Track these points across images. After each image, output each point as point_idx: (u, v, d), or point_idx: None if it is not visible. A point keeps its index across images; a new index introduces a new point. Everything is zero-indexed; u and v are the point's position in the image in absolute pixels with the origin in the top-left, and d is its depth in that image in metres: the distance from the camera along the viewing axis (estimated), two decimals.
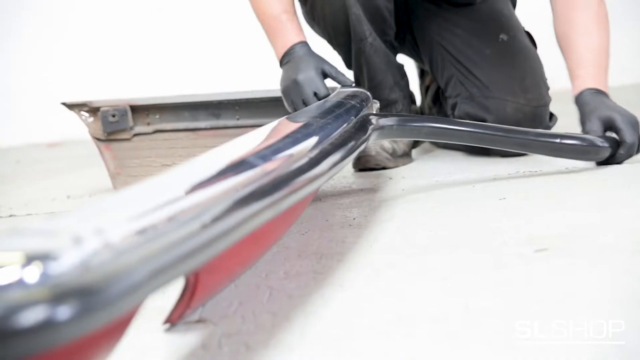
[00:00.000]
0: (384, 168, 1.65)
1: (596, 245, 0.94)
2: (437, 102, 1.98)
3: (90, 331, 0.47)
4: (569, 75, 1.49)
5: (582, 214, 1.10)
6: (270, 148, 0.83)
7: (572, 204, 1.16)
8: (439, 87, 1.91)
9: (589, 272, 0.85)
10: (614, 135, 1.39)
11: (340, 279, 0.88)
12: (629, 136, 1.36)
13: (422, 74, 2.09)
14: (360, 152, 1.43)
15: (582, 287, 0.80)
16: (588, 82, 1.44)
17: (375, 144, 1.60)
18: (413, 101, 1.92)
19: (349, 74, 1.61)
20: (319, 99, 1.38)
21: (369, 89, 1.70)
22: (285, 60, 1.48)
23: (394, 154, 1.67)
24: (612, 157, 1.38)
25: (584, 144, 1.37)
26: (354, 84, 1.50)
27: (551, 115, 1.75)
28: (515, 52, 1.71)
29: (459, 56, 1.73)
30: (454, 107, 1.75)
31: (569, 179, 1.35)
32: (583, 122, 1.41)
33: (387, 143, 1.64)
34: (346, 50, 1.71)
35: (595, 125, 1.39)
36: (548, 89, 1.72)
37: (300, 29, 1.51)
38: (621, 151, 1.37)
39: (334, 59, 1.64)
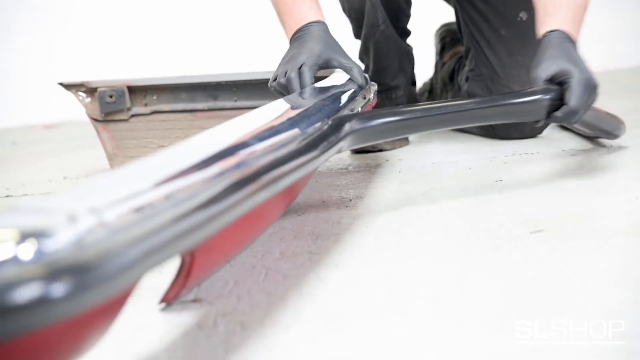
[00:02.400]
0: (381, 150, 1.62)
1: (592, 227, 0.94)
2: (452, 81, 1.89)
3: (85, 309, 0.47)
4: (537, 14, 1.27)
5: (578, 196, 1.10)
6: (267, 130, 0.83)
7: (569, 185, 1.16)
8: (455, 66, 1.86)
9: (584, 254, 0.85)
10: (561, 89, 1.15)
11: (335, 260, 0.89)
12: (574, 99, 1.11)
13: (442, 50, 2.01)
14: None
15: (577, 268, 0.80)
16: (563, 24, 1.22)
17: None
18: (413, 82, 1.88)
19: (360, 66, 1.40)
20: (301, 78, 1.19)
21: (373, 72, 1.70)
22: (296, 35, 1.28)
23: None
24: (547, 116, 1.15)
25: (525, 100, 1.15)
26: (361, 86, 1.25)
27: None
28: (533, 35, 1.52)
29: (474, 31, 1.67)
30: (467, 79, 1.72)
31: (566, 161, 1.35)
32: (535, 66, 1.18)
33: None
34: (357, 26, 1.69)
35: (545, 73, 1.15)
36: None
37: (320, 8, 1.30)
38: (558, 113, 1.13)
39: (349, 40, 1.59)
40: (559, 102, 1.13)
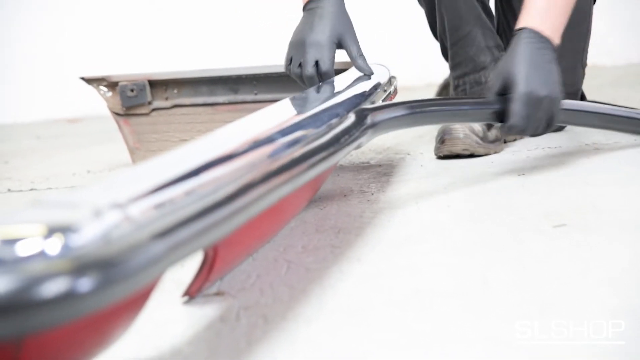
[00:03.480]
0: (472, 155, 1.41)
1: (615, 221, 0.93)
2: None
3: (111, 303, 0.47)
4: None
5: (601, 190, 1.09)
6: (290, 124, 0.83)
7: (592, 179, 1.15)
8: None
9: (608, 248, 0.84)
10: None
11: (358, 253, 0.89)
12: (513, 116, 1.06)
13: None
14: (445, 135, 1.36)
15: (600, 263, 0.80)
16: (535, 20, 1.11)
17: (464, 125, 1.37)
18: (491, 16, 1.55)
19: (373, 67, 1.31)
20: (319, 72, 1.19)
21: (451, 46, 1.48)
22: (308, 6, 1.22)
23: (484, 139, 1.40)
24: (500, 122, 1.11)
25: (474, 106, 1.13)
26: (372, 74, 1.25)
27: (582, 97, 1.55)
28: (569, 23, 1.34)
29: (504, 6, 1.51)
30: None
31: (589, 155, 1.34)
32: (494, 72, 1.13)
33: (477, 125, 1.38)
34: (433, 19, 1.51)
35: (496, 82, 1.10)
36: (584, 74, 1.50)
37: None
38: (503, 128, 1.10)
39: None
40: (503, 114, 1.10)
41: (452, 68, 1.51)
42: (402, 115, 1.08)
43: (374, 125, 1.02)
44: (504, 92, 1.11)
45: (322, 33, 1.16)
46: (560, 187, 1.14)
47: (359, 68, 1.20)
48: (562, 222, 0.93)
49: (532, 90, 1.06)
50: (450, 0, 1.44)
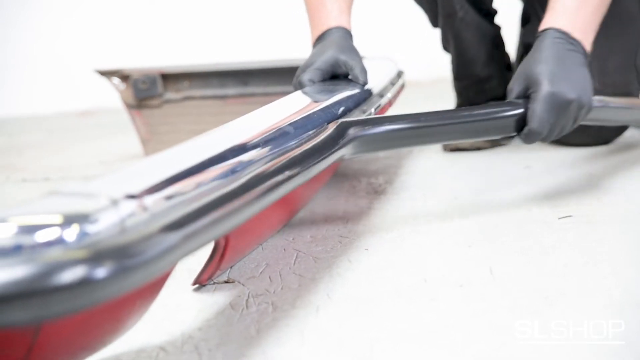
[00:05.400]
0: (478, 149, 1.44)
1: (620, 213, 0.94)
2: None
3: (126, 291, 0.48)
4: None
5: (607, 182, 1.10)
6: (302, 117, 0.83)
7: (598, 172, 1.16)
8: None
9: (613, 239, 0.85)
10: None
11: (365, 244, 0.90)
12: (534, 120, 0.92)
13: (525, 21, 1.62)
14: None
15: (605, 255, 0.81)
16: (559, 19, 1.00)
17: None
18: (508, 67, 1.58)
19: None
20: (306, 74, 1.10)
21: (458, 65, 1.52)
22: (317, 42, 1.21)
23: None
24: (519, 133, 0.96)
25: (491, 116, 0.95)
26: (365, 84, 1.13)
27: None
28: (610, 20, 1.27)
29: (541, 13, 1.36)
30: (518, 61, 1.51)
31: (596, 148, 1.34)
32: (515, 74, 1.00)
33: None
34: (432, 15, 1.51)
35: (517, 86, 0.97)
36: (638, 73, 1.39)
37: (343, 11, 1.21)
38: (521, 135, 0.95)
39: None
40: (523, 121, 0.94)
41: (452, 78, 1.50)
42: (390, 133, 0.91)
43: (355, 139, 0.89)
44: (526, 96, 0.97)
45: (319, 56, 1.11)
46: (566, 179, 1.15)
47: (354, 78, 1.10)
48: (568, 214, 0.94)
49: (557, 91, 0.92)
50: (457, 33, 1.45)
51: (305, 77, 1.07)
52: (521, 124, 0.94)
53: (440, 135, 0.95)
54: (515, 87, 0.97)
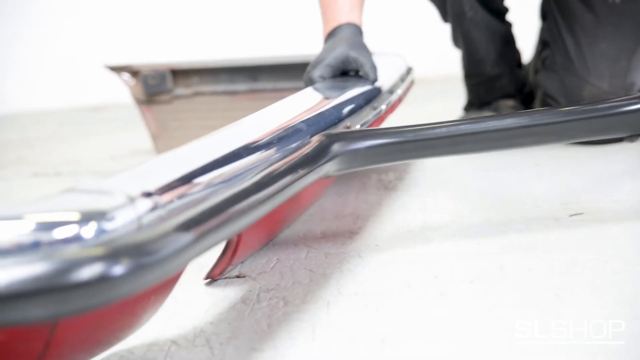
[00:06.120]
0: None
1: (630, 211, 0.94)
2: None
3: (143, 288, 0.48)
4: None
5: (618, 181, 1.10)
6: (315, 114, 0.83)
7: (609, 170, 1.16)
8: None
9: (622, 238, 0.85)
10: None
11: (376, 240, 0.91)
12: None
13: (543, 17, 1.58)
14: None
15: (615, 251, 0.81)
16: None
17: None
18: (519, 64, 1.58)
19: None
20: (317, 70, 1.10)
21: (468, 64, 1.53)
22: (327, 38, 1.21)
23: None
24: None
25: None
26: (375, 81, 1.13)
27: None
28: (623, 22, 1.31)
29: (555, 9, 1.41)
30: (537, 70, 1.51)
31: (606, 147, 1.34)
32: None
33: None
34: (442, 11, 1.51)
35: None
36: None
37: (354, 7, 1.20)
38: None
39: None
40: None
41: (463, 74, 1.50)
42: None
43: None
44: None
45: (329, 53, 1.11)
46: (577, 176, 1.15)
47: (364, 74, 1.11)
48: (578, 211, 0.94)
49: None
50: (466, 33, 1.44)
51: (316, 73, 1.08)
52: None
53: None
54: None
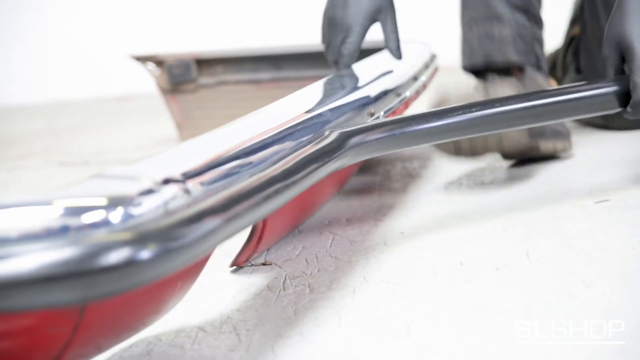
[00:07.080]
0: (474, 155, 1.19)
1: None
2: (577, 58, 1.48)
3: (169, 273, 0.48)
4: None
5: None
6: (337, 104, 0.83)
7: (636, 156, 1.14)
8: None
9: None
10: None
11: (401, 227, 0.90)
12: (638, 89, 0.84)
13: (574, 20, 1.51)
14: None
15: None
16: None
17: None
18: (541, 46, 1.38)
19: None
20: (347, 50, 1.03)
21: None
22: None
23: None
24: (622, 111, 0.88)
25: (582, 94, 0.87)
26: (400, 58, 1.08)
27: None
28: None
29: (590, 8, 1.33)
30: (575, 53, 1.44)
31: (629, 133, 1.32)
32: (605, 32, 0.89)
33: None
34: None
35: (608, 51, 0.88)
36: None
37: None
38: (628, 108, 0.86)
39: None
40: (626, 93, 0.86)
41: (461, 8, 1.27)
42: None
43: None
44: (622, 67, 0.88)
45: (356, 8, 1.00)
46: (603, 163, 1.13)
47: (390, 50, 1.04)
48: (605, 199, 0.93)
49: None
50: None
51: (347, 48, 1.00)
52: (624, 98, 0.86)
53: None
54: (606, 53, 0.89)
